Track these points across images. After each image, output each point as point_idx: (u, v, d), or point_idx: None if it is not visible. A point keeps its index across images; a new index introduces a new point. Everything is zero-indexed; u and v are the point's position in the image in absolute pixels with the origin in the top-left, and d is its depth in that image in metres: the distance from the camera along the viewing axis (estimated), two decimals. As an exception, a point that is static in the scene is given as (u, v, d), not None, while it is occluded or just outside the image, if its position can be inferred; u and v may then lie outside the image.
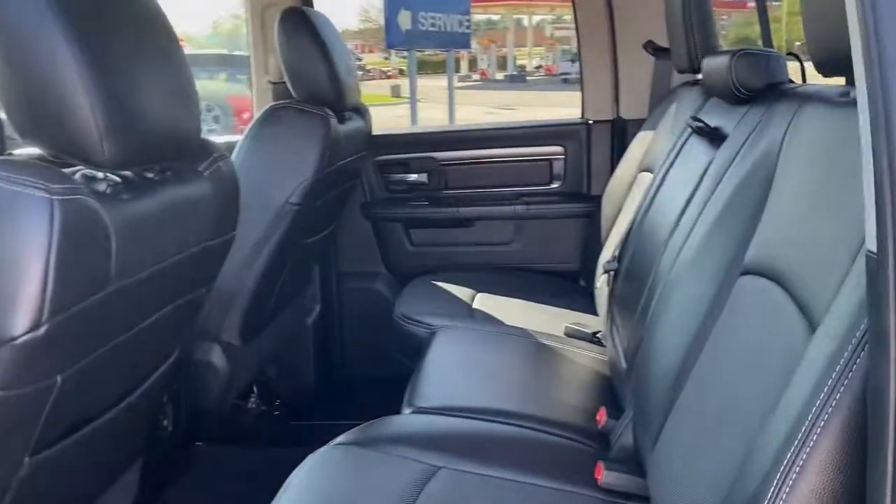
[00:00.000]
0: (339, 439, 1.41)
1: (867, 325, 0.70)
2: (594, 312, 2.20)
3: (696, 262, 1.27)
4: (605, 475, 1.29)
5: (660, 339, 1.31)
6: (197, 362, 1.87)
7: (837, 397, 0.71)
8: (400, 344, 2.12)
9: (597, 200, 2.46)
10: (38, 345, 0.89)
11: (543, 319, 2.11)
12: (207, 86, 8.62)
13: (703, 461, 1.05)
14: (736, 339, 1.10)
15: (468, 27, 11.48)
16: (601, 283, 1.90)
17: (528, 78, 23.29)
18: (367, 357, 2.62)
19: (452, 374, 1.69)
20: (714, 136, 1.52)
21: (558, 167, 2.54)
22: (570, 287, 2.47)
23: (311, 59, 1.97)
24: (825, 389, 0.72)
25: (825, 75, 1.11)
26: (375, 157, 2.56)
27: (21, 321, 0.87)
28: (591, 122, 2.52)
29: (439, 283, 2.33)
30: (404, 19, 9.89)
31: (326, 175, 1.97)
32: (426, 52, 17.26)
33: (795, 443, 0.73)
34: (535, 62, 26.25)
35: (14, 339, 0.87)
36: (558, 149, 2.54)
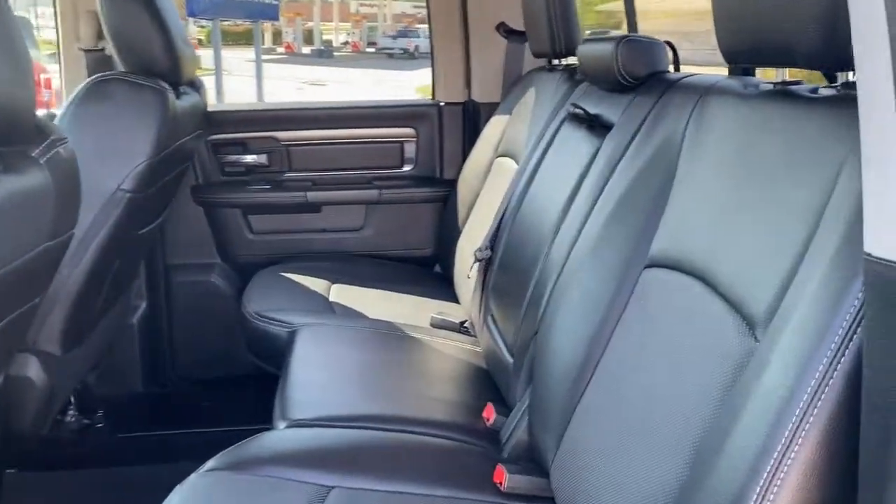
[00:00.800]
0: (210, 464, 1.23)
1: (860, 329, 0.68)
2: (455, 300, 2.15)
3: (596, 254, 1.24)
4: (508, 479, 1.24)
5: (558, 332, 1.27)
6: (10, 378, 1.58)
7: (819, 404, 0.69)
8: (254, 344, 1.93)
9: (450, 184, 2.40)
10: None
11: (406, 310, 2.03)
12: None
13: (625, 462, 1.02)
14: (650, 335, 1.07)
15: (276, -2, 11.01)
16: (473, 271, 1.84)
17: (335, 54, 22.89)
18: (204, 358, 2.38)
19: (325, 378, 1.55)
20: (594, 124, 1.49)
21: (410, 150, 2.45)
22: (426, 274, 2.40)
23: (143, 24, 1.72)
24: (804, 397, 0.70)
25: (732, 63, 1.12)
26: (209, 136, 2.32)
27: None
28: (442, 104, 2.44)
29: (289, 275, 2.16)
30: (207, -14, 9.28)
31: (162, 158, 1.73)
32: (227, 23, 16.35)
33: (775, 455, 0.70)
34: (342, 38, 25.83)
35: None
36: (410, 131, 2.44)
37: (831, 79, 0.93)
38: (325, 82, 17.92)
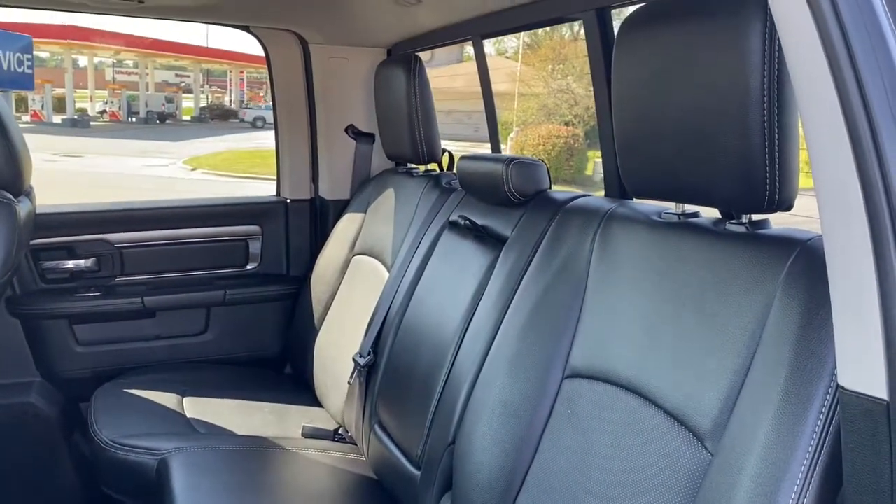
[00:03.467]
0: None
1: (826, 446, 0.80)
2: (314, 403, 2.09)
3: (514, 364, 1.30)
4: None
5: (481, 442, 1.30)
6: None
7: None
8: (109, 475, 1.73)
9: (298, 281, 2.36)
10: None
11: (272, 421, 1.94)
12: None
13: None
14: (589, 443, 1.14)
15: (30, 66, 10.15)
16: (353, 377, 1.81)
17: (92, 123, 21.36)
18: (22, 493, 2.08)
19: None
20: (483, 235, 1.57)
21: (255, 247, 2.38)
22: (278, 377, 2.31)
23: None
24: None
25: (635, 196, 1.25)
26: (29, 241, 2.07)
27: None
28: (288, 200, 2.42)
29: (133, 391, 1.97)
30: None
31: (8, 279, 1.53)
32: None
33: None
34: (98, 106, 24.12)
35: None
36: (255, 228, 2.38)
37: (728, 215, 1.09)
38: (79, 153, 16.71)
